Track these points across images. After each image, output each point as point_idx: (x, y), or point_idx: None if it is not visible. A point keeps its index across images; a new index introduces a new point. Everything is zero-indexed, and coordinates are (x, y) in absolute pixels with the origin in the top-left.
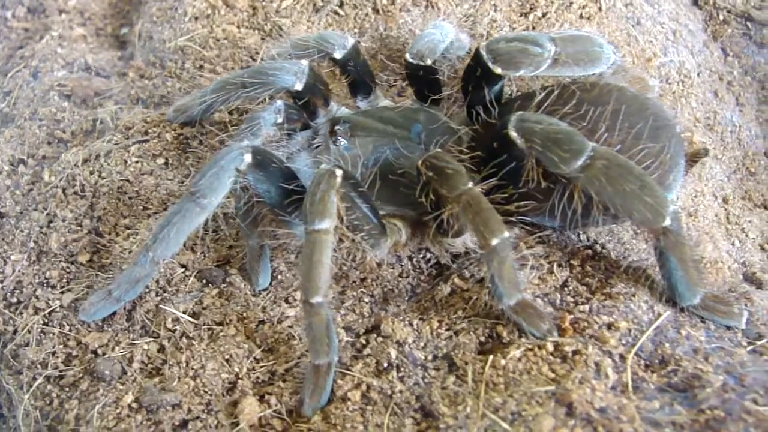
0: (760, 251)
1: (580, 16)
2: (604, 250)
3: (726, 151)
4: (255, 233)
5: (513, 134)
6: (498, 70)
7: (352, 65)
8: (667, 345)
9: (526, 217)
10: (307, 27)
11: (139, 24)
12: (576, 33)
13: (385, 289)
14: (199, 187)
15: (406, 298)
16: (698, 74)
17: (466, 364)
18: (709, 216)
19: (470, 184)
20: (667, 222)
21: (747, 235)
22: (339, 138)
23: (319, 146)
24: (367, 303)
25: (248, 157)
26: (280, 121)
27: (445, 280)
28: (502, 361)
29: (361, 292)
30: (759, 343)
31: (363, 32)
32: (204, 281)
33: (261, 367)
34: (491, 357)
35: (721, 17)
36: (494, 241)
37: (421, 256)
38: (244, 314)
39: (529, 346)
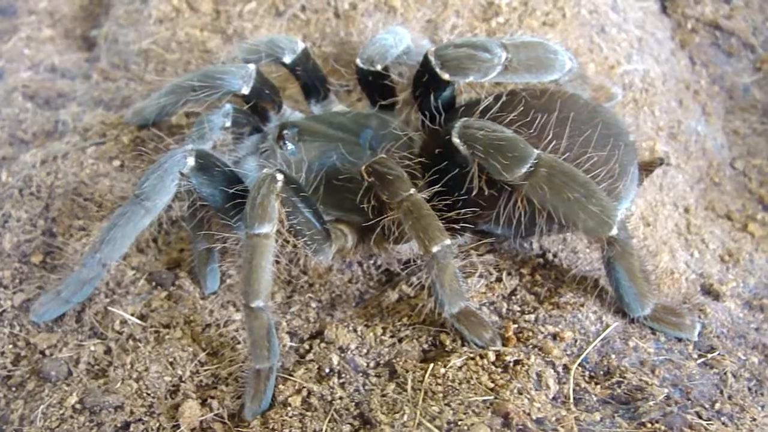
0: (719, 262)
1: (543, 23)
2: (555, 259)
3: (690, 161)
4: (201, 236)
5: (456, 141)
6: (446, 76)
7: (301, 69)
8: (613, 356)
9: (470, 225)
10: (268, 31)
11: (106, 26)
12: (529, 39)
13: (333, 295)
14: (144, 190)
15: (354, 304)
16: (663, 83)
17: (407, 371)
18: (669, 226)
19: (412, 191)
20: (614, 231)
21: (707, 246)
22: (286, 142)
23: (266, 150)
24: (314, 308)
25: (191, 161)
26: (228, 124)
27: (393, 286)
28: (442, 370)
29: (309, 297)
30: (710, 355)
31: (324, 37)
32: (154, 284)
33: (205, 370)
34: (432, 365)
35: (689, 26)
36: (434, 248)
37: (372, 262)
38: (191, 317)
39: (471, 355)
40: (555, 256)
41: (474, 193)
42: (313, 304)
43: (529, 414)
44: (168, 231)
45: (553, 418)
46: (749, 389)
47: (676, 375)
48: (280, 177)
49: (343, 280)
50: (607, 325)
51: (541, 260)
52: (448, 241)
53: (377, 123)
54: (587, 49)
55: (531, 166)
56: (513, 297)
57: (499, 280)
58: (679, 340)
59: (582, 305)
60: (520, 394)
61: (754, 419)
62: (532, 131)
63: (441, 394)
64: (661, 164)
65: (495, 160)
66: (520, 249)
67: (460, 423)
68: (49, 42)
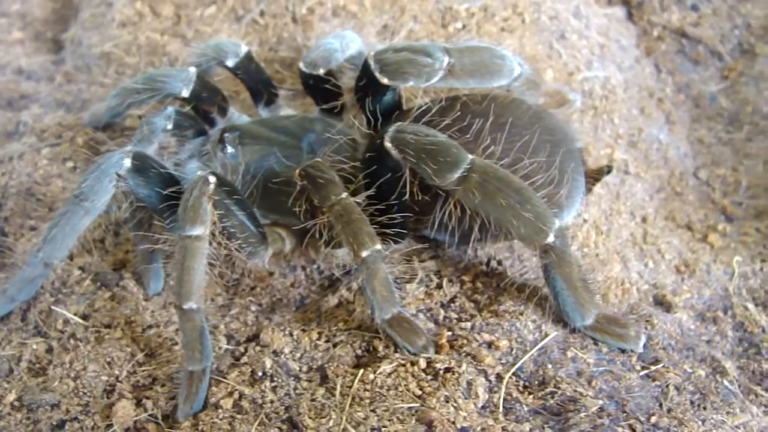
0: (675, 273)
1: (502, 29)
2: (500, 267)
3: (650, 170)
4: (141, 237)
5: (388, 145)
6: (384, 81)
7: (243, 72)
8: (549, 366)
9: (409, 231)
10: (227, 35)
11: (73, 29)
12: (474, 44)
13: (274, 299)
14: (83, 190)
15: (294, 309)
16: (625, 90)
17: (338, 377)
18: (624, 235)
19: (344, 195)
20: (550, 239)
21: (663, 256)
22: (226, 145)
23: (207, 153)
24: (253, 312)
25: (128, 162)
26: (169, 127)
27: (333, 291)
28: (371, 376)
29: (249, 300)
30: (654, 368)
31: (281, 41)
32: (99, 284)
33: (142, 370)
34: (362, 371)
35: (655, 33)
36: (364, 253)
37: (315, 267)
38: (133, 318)
39: (402, 362)
40: (500, 263)
41: (409, 198)
42: (253, 308)
43: (454, 423)
44: (117, 232)
45: (479, 428)
46: (692, 403)
47: (614, 387)
48: (212, 179)
49: (285, 284)
50: (546, 335)
51: (484, 267)
52: (378, 246)
53: (321, 127)
54: (546, 56)
55: (464, 172)
56: (452, 304)
57: (439, 286)
58: (623, 351)
59: (521, 314)
60: (447, 402)
61: None
62: (468, 136)
63: (368, 400)
64: (608, 172)
65: (426, 165)
66: (464, 256)
67: (383, 430)
68: (18, 44)
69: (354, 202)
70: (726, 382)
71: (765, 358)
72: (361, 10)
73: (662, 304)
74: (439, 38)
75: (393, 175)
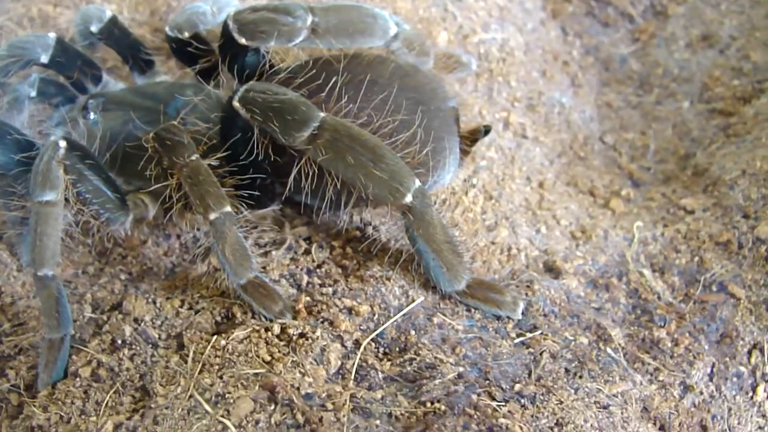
0: (570, 239)
1: None
2: (375, 232)
3: (551, 134)
4: (6, 205)
5: (236, 105)
6: (242, 41)
7: (107, 38)
8: (413, 333)
9: (272, 195)
10: (117, 5)
11: None
12: (342, 3)
13: (145, 267)
14: None
15: (163, 277)
16: (525, 53)
17: (193, 343)
18: (516, 201)
19: (194, 157)
20: (408, 199)
21: (558, 222)
22: (89, 112)
23: (75, 120)
24: (122, 280)
25: None
26: (33, 94)
27: (203, 259)
28: (223, 342)
29: (120, 269)
30: (530, 335)
31: (171, 11)
32: None
33: (9, 341)
34: (215, 337)
35: None
36: (212, 216)
37: (191, 235)
38: (3, 288)
39: (256, 328)
40: (375, 229)
41: (263, 159)
42: (123, 276)
43: (298, 389)
44: None
45: (324, 394)
46: (567, 371)
47: (480, 354)
48: (62, 144)
49: (158, 253)
50: (413, 300)
51: (358, 233)
52: (227, 209)
53: (192, 92)
54: (440, 18)
55: (314, 130)
56: (318, 270)
57: (307, 252)
58: (498, 318)
59: (388, 279)
60: (295, 368)
61: (561, 402)
62: (322, 94)
63: (217, 367)
64: (486, 133)
65: (273, 124)
66: (338, 222)
67: (227, 396)
68: None
69: (203, 164)
70: (609, 350)
71: (657, 326)
72: None
73: (552, 270)
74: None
75: (244, 135)
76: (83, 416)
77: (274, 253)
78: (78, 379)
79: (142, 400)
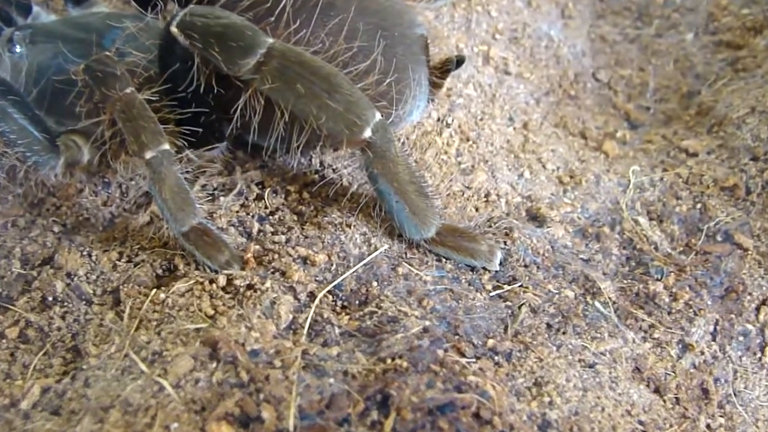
0: (556, 184)
1: None
2: (335, 176)
3: (537, 70)
4: None
5: (174, 30)
6: None
7: None
8: (375, 284)
9: (214, 133)
10: None
11: None
12: None
13: (81, 218)
14: None
15: (100, 228)
16: None
17: (129, 298)
18: (496, 142)
19: (128, 90)
20: (367, 134)
21: (544, 166)
22: (14, 45)
23: None
24: (55, 233)
25: None
26: None
27: (146, 209)
28: (162, 296)
29: (53, 221)
30: (507, 287)
31: None
32: None
33: None
34: (153, 291)
35: None
36: (148, 154)
37: (133, 182)
38: None
39: (200, 280)
40: (336, 171)
41: (205, 92)
42: (56, 228)
43: (243, 345)
44: None
45: (272, 350)
46: (549, 326)
47: (450, 307)
48: None
49: (96, 203)
50: (375, 249)
51: (317, 177)
52: (164, 147)
53: (130, 21)
54: None
55: (261, 57)
56: (270, 217)
57: (259, 198)
58: (473, 268)
59: (348, 226)
60: (238, 322)
61: (541, 360)
62: (271, 18)
63: (155, 323)
64: (459, 65)
65: (215, 51)
66: (294, 165)
67: (165, 354)
68: None
69: (138, 97)
70: (598, 304)
71: (653, 279)
72: None
73: (536, 218)
74: None
75: (183, 65)
76: (8, 380)
77: (222, 198)
78: (4, 340)
79: (73, 361)
